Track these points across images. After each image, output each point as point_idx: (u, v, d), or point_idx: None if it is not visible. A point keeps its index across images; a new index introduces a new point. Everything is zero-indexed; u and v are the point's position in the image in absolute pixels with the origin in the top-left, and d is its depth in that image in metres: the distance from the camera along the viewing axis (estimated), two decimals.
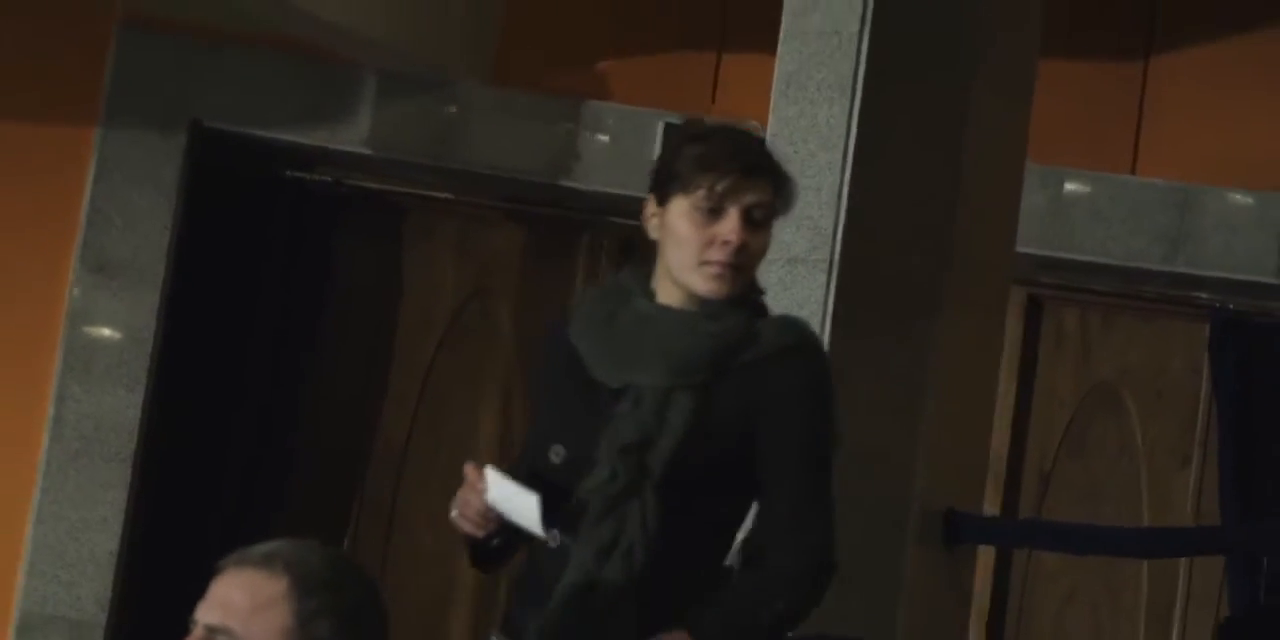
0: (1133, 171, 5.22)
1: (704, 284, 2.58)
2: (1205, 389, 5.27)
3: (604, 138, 5.19)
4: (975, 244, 3.75)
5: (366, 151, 5.17)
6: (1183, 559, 5.25)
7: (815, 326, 3.59)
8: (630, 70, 5.27)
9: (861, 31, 3.48)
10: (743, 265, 2.59)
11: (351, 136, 5.16)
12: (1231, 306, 5.23)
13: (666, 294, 2.64)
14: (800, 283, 3.54)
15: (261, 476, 5.25)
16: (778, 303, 3.65)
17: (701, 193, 2.59)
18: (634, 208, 5.17)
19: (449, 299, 5.42)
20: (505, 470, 2.60)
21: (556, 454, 2.59)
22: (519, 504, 2.48)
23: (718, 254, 2.57)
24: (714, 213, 2.59)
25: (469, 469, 2.57)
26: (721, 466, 2.56)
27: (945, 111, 3.61)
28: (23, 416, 5.08)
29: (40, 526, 5.03)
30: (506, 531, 2.61)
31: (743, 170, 2.59)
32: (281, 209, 5.24)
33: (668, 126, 2.98)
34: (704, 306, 2.61)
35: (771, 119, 3.59)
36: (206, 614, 2.07)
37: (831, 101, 3.49)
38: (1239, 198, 5.12)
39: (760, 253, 2.62)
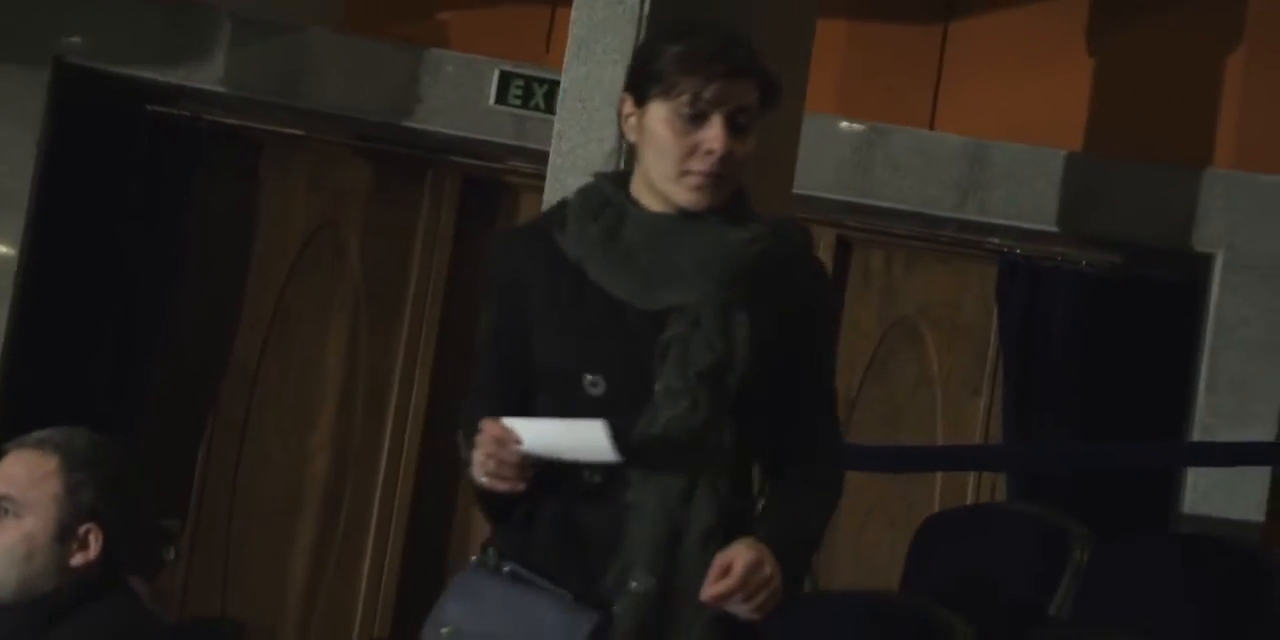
0: (931, 126, 5.60)
1: (686, 195, 2.36)
2: (996, 325, 5.67)
3: (444, 83, 5.47)
4: (751, 193, 4.15)
5: (222, 89, 5.41)
6: (971, 481, 5.71)
7: None
8: (469, 21, 5.56)
9: (643, 0, 3.86)
10: (728, 174, 2.38)
11: (208, 75, 5.39)
12: (1018, 251, 5.64)
13: (653, 201, 2.40)
14: None
15: (122, 391, 5.47)
16: None
17: (685, 98, 2.34)
18: (473, 148, 5.61)
19: (300, 229, 5.65)
20: (487, 408, 2.34)
21: (595, 386, 2.32)
22: (574, 439, 2.22)
23: (701, 164, 2.35)
24: (697, 119, 2.34)
25: (490, 425, 2.26)
26: (774, 382, 2.36)
27: None
28: None
29: None
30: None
31: (727, 74, 2.35)
32: (142, 141, 5.43)
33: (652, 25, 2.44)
34: (711, 213, 2.39)
35: (564, 78, 3.97)
36: None
37: (615, 63, 3.86)
38: (1023, 152, 5.51)
39: (746, 159, 2.40)
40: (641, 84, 2.39)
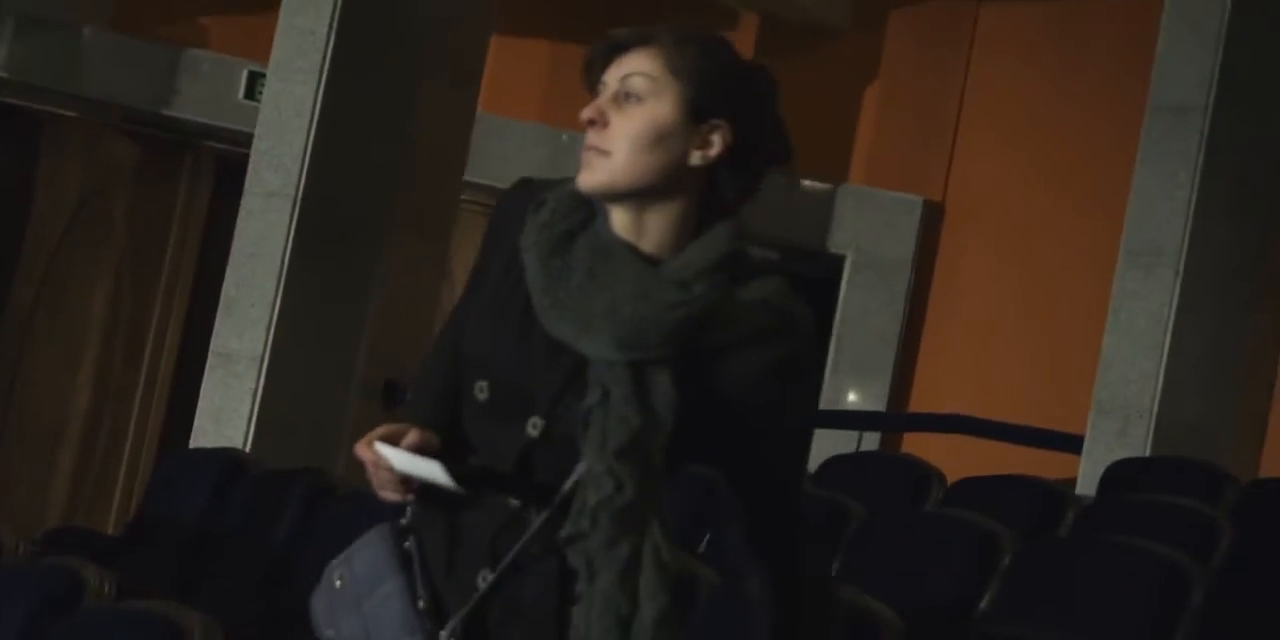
0: None
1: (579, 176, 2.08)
2: None
3: (200, 79, 6.37)
4: (422, 188, 5.08)
5: (5, 75, 6.23)
6: None
7: (279, 244, 4.90)
8: (224, 26, 6.49)
9: (330, 31, 4.78)
10: (608, 150, 2.05)
11: None
12: None
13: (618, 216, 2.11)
14: (274, 211, 4.85)
15: None
16: (253, 227, 4.94)
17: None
18: (225, 136, 6.49)
19: (74, 197, 6.49)
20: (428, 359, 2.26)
21: (481, 391, 2.11)
22: (424, 469, 2.12)
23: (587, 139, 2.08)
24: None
25: (363, 451, 2.09)
26: (721, 450, 2.12)
27: (396, 91, 4.93)
28: None
29: None
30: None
31: (615, 44, 2.08)
32: None
33: None
34: (674, 257, 2.08)
35: (265, 92, 4.89)
36: None
37: (305, 82, 4.79)
38: None
39: (630, 134, 2.05)
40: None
